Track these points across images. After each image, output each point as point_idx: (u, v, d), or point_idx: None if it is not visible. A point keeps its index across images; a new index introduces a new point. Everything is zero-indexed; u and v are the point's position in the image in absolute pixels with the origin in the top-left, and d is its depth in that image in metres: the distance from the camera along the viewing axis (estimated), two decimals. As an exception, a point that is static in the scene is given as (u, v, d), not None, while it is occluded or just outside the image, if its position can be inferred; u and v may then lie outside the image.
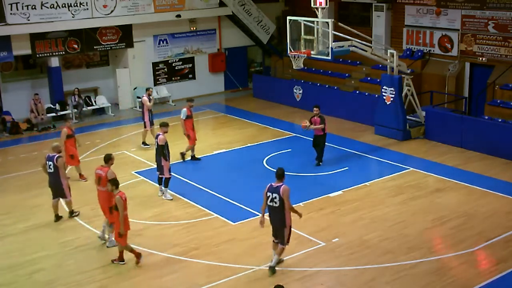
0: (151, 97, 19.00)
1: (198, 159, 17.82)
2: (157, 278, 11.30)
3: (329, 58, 17.84)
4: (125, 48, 24.20)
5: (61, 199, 13.96)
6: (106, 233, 12.67)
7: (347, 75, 23.72)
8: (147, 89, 19.29)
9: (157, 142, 14.77)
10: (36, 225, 13.81)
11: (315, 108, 16.62)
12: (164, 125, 15.05)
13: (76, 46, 22.75)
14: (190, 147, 17.61)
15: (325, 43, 17.79)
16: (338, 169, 16.68)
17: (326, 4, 17.75)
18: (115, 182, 11.57)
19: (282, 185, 10.92)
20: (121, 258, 11.79)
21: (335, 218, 13.65)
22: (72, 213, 14.13)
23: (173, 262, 11.88)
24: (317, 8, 17.84)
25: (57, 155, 13.65)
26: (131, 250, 11.76)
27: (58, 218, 13.93)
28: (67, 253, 12.38)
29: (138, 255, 11.78)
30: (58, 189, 13.79)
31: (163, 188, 15.04)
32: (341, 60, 23.69)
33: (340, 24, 18.84)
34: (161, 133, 14.81)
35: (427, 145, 18.79)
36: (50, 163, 13.62)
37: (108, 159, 12.75)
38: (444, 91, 20.94)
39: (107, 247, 12.53)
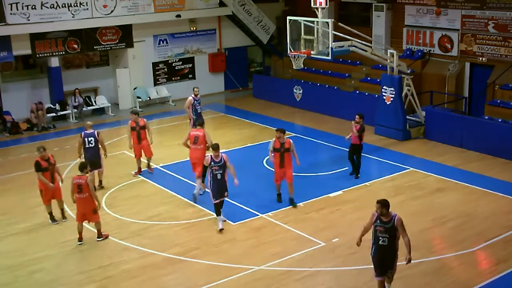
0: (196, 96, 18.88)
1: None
2: (157, 278, 11.30)
3: (329, 58, 17.86)
4: (125, 48, 24.20)
5: (95, 171, 15.11)
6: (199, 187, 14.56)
7: (347, 75, 23.71)
8: (194, 88, 19.31)
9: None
10: (36, 225, 13.81)
11: (357, 117, 15.69)
12: (214, 148, 13.09)
13: (76, 46, 22.74)
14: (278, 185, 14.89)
15: (325, 43, 17.79)
16: (338, 169, 16.68)
17: (326, 4, 17.76)
18: (81, 166, 12.68)
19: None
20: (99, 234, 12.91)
21: (335, 218, 13.64)
22: (101, 183, 15.67)
23: (173, 262, 11.88)
24: (317, 8, 17.85)
25: (96, 131, 15.27)
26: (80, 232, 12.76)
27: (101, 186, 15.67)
28: (67, 253, 12.38)
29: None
30: (96, 161, 15.13)
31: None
32: (341, 60, 23.67)
33: (340, 24, 18.82)
34: (210, 154, 13.09)
35: (427, 145, 18.79)
36: (91, 138, 15.04)
37: (202, 123, 15.24)
38: (444, 91, 20.93)
39: (193, 193, 14.55)
